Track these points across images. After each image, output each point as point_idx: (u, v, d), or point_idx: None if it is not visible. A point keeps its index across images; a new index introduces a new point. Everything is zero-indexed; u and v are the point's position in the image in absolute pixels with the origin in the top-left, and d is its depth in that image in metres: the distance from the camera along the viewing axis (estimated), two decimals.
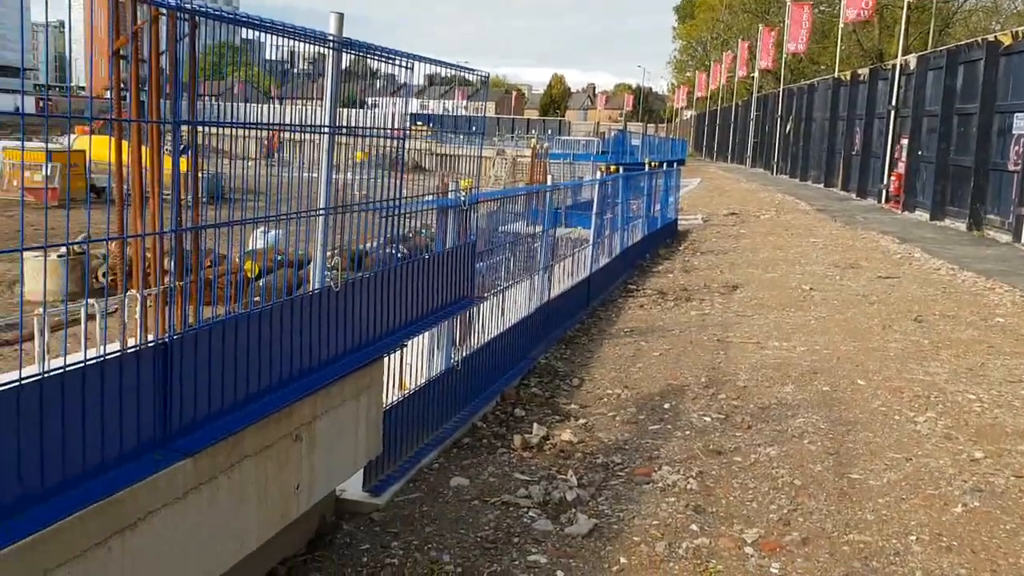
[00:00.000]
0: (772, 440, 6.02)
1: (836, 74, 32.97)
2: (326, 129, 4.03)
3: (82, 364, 2.71)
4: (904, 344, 8.88)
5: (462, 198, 5.79)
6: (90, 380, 2.75)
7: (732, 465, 5.55)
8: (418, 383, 5.54)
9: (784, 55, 45.55)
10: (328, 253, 4.17)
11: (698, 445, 5.93)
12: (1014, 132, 17.65)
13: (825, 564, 4.22)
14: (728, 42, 70.83)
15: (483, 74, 6.03)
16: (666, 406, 6.84)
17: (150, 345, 3.04)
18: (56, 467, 2.64)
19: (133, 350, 2.97)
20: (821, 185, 33.33)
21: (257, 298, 3.90)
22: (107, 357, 2.86)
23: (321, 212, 4.05)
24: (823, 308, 10.75)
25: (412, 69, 4.75)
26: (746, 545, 4.43)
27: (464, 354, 6.21)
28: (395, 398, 5.15)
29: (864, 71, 29.55)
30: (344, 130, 4.14)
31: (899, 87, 24.79)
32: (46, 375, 2.58)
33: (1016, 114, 17.57)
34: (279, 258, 12.60)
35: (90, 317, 3.27)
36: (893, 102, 24.97)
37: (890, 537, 4.50)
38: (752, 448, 5.86)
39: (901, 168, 23.89)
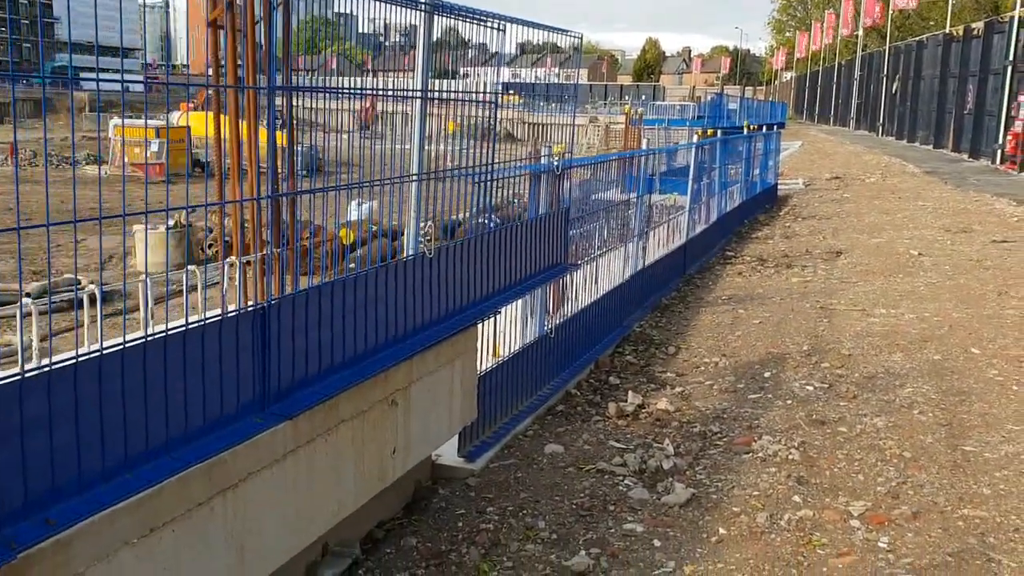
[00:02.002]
0: (879, 410, 5.77)
1: (947, 29, 31.23)
2: (418, 94, 4.00)
3: (183, 328, 2.77)
4: (1022, 311, 8.38)
5: (554, 163, 5.71)
6: (191, 343, 2.81)
7: (836, 436, 5.35)
8: (512, 350, 5.52)
9: (891, 11, 43.43)
10: (421, 224, 4.16)
11: (800, 415, 5.74)
12: None
13: (938, 539, 4.02)
14: (831, 0, 67.99)
15: (577, 35, 5.90)
16: (766, 375, 6.65)
17: (249, 310, 3.09)
18: (159, 429, 2.71)
19: (232, 314, 3.02)
20: (930, 146, 31.76)
21: (352, 265, 3.93)
22: (207, 321, 2.91)
23: (414, 178, 4.04)
24: (933, 274, 10.25)
25: (504, 31, 4.67)
26: (852, 518, 4.26)
27: (558, 321, 6.16)
28: (489, 365, 5.14)
29: (979, 25, 27.88)
30: (435, 96, 4.10)
31: (1018, 40, 23.29)
32: (149, 339, 2.64)
33: None
34: (374, 228, 12.82)
35: (194, 288, 3.34)
36: (1010, 56, 23.50)
37: (1008, 513, 4.25)
38: (858, 418, 5.63)
39: (1018, 127, 22.50)
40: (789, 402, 6.01)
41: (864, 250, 12.11)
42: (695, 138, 16.54)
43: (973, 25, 28.52)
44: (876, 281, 10.00)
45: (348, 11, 3.81)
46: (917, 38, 37.17)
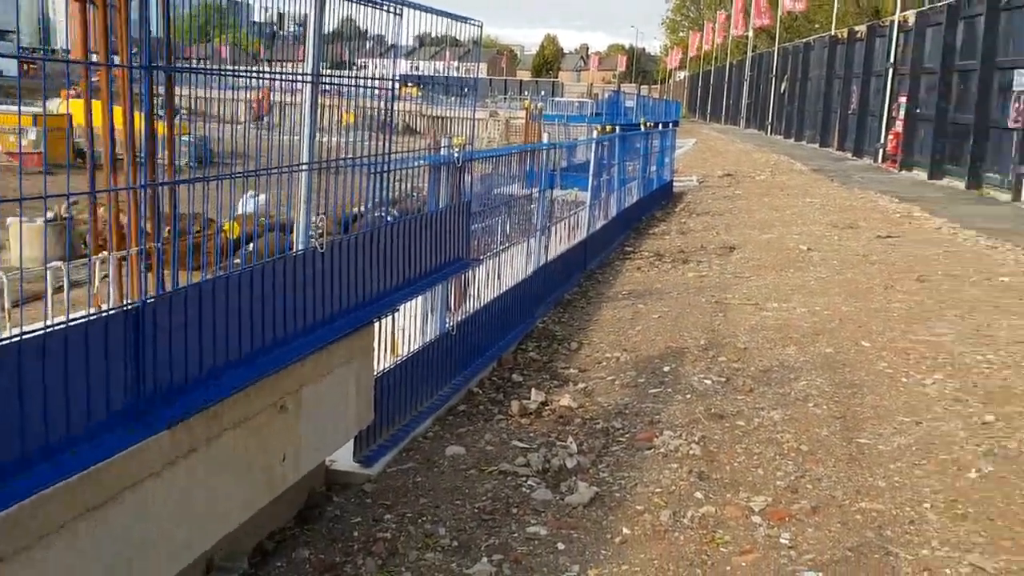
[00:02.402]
0: (776, 403, 5.84)
1: (833, 32, 32.50)
2: (308, 79, 3.77)
3: (42, 331, 2.48)
4: (908, 304, 8.70)
5: (455, 155, 5.54)
6: (52, 348, 2.52)
7: (735, 429, 5.37)
8: (412, 348, 5.33)
9: (780, 13, 44.93)
10: (314, 217, 3.93)
11: (700, 409, 5.76)
12: (1014, 89, 17.35)
13: (837, 534, 4.05)
14: (722, 1, 69.92)
15: (477, 23, 5.75)
16: (666, 369, 6.66)
17: (120, 310, 2.82)
18: (14, 446, 2.42)
19: (101, 315, 2.74)
20: (817, 145, 33.01)
21: (237, 261, 3.67)
22: (72, 323, 2.63)
23: (304, 167, 3.80)
24: (822, 268, 10.56)
25: (400, 15, 4.47)
26: (753, 514, 4.26)
27: (460, 318, 6.00)
28: (388, 364, 4.94)
29: (862, 28, 29.10)
30: (327, 81, 3.88)
31: (897, 44, 24.41)
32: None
33: (1016, 70, 17.26)
34: (265, 222, 12.36)
35: (75, 284, 3.05)
36: (891, 59, 24.60)
37: (903, 504, 4.33)
38: (755, 412, 5.68)
39: (899, 127, 23.60)
40: (689, 396, 6.02)
41: (756, 245, 12.40)
42: (595, 134, 16.65)
43: (857, 28, 29.76)
44: (768, 276, 10.23)
45: None
46: (804, 40, 38.56)
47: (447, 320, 5.81)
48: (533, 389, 6.01)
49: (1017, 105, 17.18)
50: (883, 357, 6.90)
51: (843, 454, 4.98)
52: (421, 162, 5.12)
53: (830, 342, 7.32)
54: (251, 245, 6.01)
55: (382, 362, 5.02)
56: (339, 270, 4.02)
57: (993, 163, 18.42)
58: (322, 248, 3.86)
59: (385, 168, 4.41)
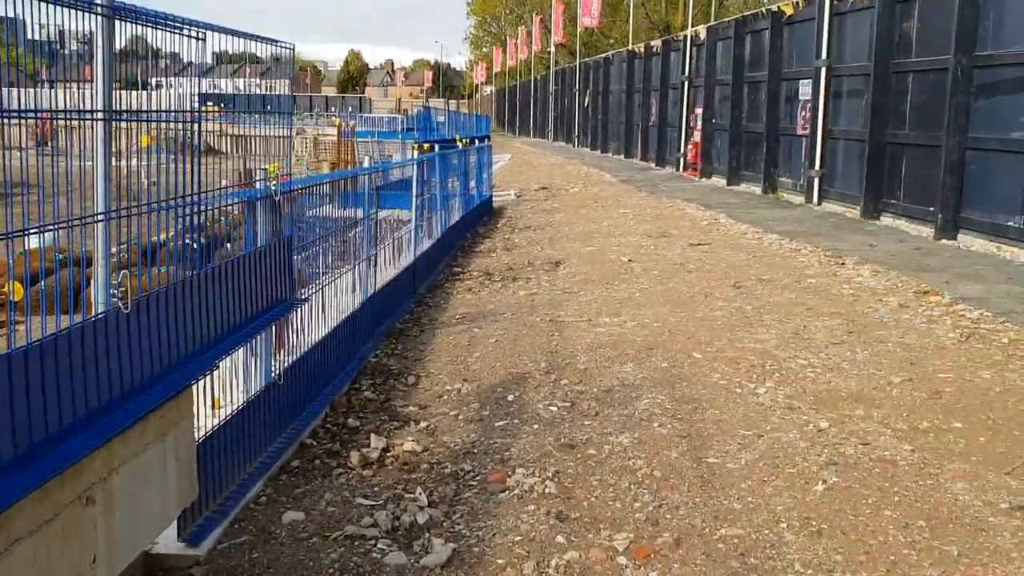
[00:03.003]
0: (622, 426, 5.76)
1: (630, 46, 33.90)
2: (100, 115, 3.24)
3: None
4: (728, 312, 8.98)
5: (272, 187, 5.07)
6: None
7: (587, 460, 5.22)
8: (234, 404, 4.80)
9: (578, 29, 46.50)
10: (113, 252, 3.38)
11: (549, 440, 5.57)
12: (800, 98, 18.65)
13: (703, 567, 3.95)
14: (522, 17, 71.67)
15: (288, 45, 5.32)
16: (510, 398, 6.45)
17: None
18: None
19: None
20: (622, 156, 34.29)
21: (21, 328, 3.08)
22: None
23: (100, 217, 3.26)
24: (645, 280, 10.77)
25: (203, 40, 3.99)
26: (618, 555, 4.09)
27: (287, 363, 5.51)
28: (208, 426, 4.41)
29: (657, 43, 30.53)
30: (125, 115, 3.36)
31: (691, 58, 25.72)
32: None
33: (801, 81, 18.56)
34: (59, 258, 11.14)
35: None
36: (686, 72, 25.89)
37: (761, 527, 4.30)
38: (604, 438, 5.57)
39: (697, 136, 24.86)
40: (536, 426, 5.83)
41: (580, 259, 12.53)
42: (413, 152, 16.33)
43: (652, 43, 31.17)
44: (596, 290, 10.30)
45: (14, 14, 2.99)
46: (604, 55, 40.04)
47: (272, 368, 5.31)
48: (372, 435, 5.61)
49: (804, 113, 18.46)
50: (716, 368, 7.02)
51: (696, 477, 4.93)
52: (235, 199, 4.62)
53: (664, 356, 7.38)
54: (41, 283, 5.23)
55: (203, 422, 4.48)
56: (148, 330, 3.49)
57: (785, 168, 19.71)
58: (126, 308, 3.33)
59: (194, 210, 3.91)
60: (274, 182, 5.07)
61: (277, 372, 5.33)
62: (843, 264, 11.27)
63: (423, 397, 6.61)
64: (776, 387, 6.56)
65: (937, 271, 10.76)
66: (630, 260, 12.11)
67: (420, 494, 4.71)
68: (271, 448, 5.19)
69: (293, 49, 5.27)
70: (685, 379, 6.76)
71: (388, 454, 5.39)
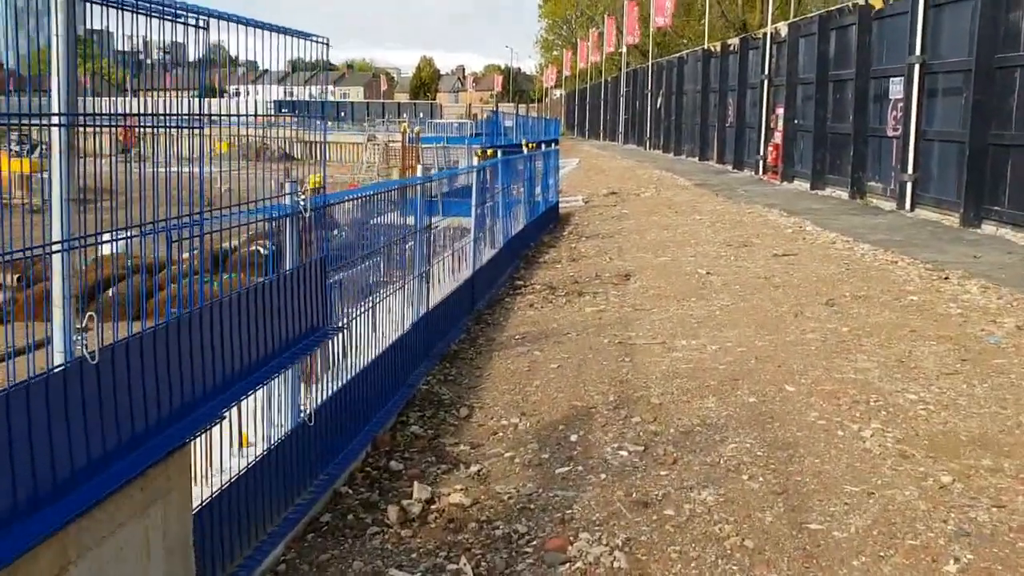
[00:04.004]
0: (705, 478, 4.94)
1: (706, 45, 32.75)
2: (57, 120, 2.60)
3: None
4: (822, 334, 8.04)
5: (301, 203, 4.42)
6: None
7: (664, 523, 4.42)
8: (253, 455, 4.16)
9: (651, 29, 45.40)
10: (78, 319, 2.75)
11: (618, 494, 4.79)
12: (891, 97, 17.42)
13: None
14: (594, 19, 70.73)
15: (322, 40, 4.68)
16: (573, 438, 5.68)
17: None
18: None
19: None
20: (696, 159, 33.15)
21: None
22: None
23: (56, 247, 2.62)
24: (725, 295, 9.87)
25: (207, 29, 3.36)
26: None
27: (319, 400, 4.85)
28: (236, 468, 3.77)
29: (734, 41, 29.35)
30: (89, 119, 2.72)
31: (771, 56, 24.55)
32: None
33: (892, 79, 17.33)
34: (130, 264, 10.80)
35: None
36: (766, 71, 24.72)
37: None
38: (683, 493, 4.76)
39: (778, 138, 23.67)
40: (603, 476, 5.05)
41: (653, 271, 11.68)
42: (475, 159, 15.71)
43: (729, 42, 29.99)
44: (671, 307, 9.46)
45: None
46: (678, 55, 38.91)
47: (301, 406, 4.66)
48: (416, 483, 4.91)
49: (895, 113, 17.23)
50: (812, 404, 6.13)
51: (796, 549, 4.09)
52: (253, 217, 3.98)
53: (751, 389, 6.52)
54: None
55: (228, 464, 3.87)
56: (123, 382, 2.85)
57: (874, 172, 18.46)
58: (93, 357, 2.69)
59: (192, 233, 3.27)
60: (303, 196, 4.41)
61: (307, 412, 4.67)
62: (947, 279, 10.17)
63: (476, 433, 5.90)
64: (884, 429, 5.65)
65: None
66: (708, 273, 11.21)
67: (465, 564, 3.99)
68: (298, 501, 4.54)
69: (327, 44, 4.62)
70: (777, 418, 5.89)
71: (432, 507, 4.69)
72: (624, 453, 5.38)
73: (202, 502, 3.54)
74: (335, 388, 5.12)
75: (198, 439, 3.48)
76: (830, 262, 11.63)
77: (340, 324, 4.99)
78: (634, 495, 4.76)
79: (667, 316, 9.03)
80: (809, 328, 8.28)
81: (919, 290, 9.70)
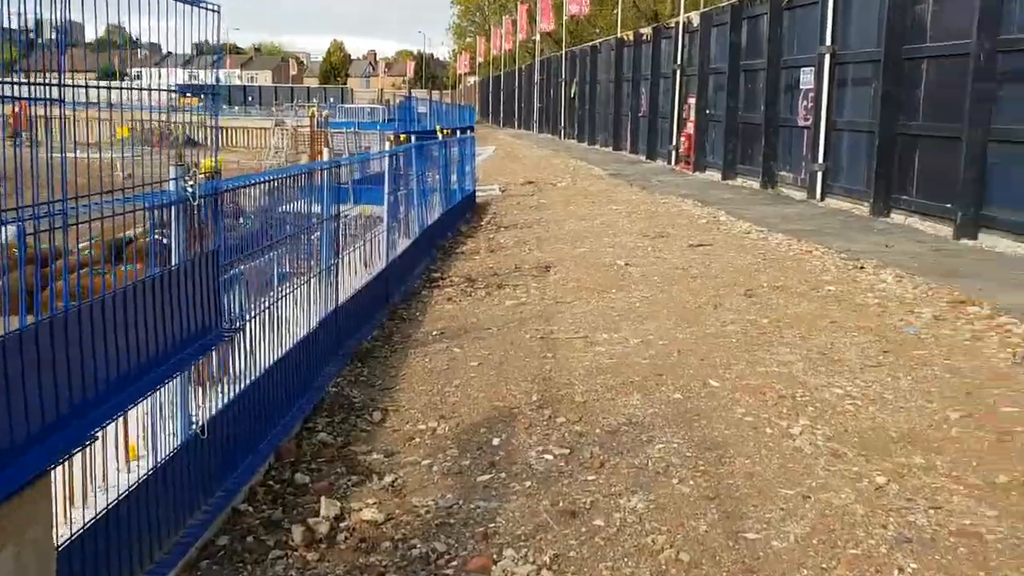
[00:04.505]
0: (634, 483, 4.67)
1: (619, 34, 32.77)
2: None
3: None
4: (743, 326, 7.90)
5: (189, 190, 3.93)
6: None
7: (594, 535, 4.12)
8: (137, 475, 3.67)
9: (564, 17, 45.29)
10: None
11: (545, 503, 4.47)
12: (802, 87, 17.60)
13: None
14: (506, 6, 70.34)
15: (214, 7, 4.18)
16: (496, 442, 5.34)
17: None
18: None
19: None
20: (610, 148, 33.19)
21: None
22: None
23: None
24: (644, 287, 9.69)
25: None
26: None
27: (213, 410, 4.37)
28: (88, 519, 3.28)
29: (647, 30, 29.41)
30: None
31: (683, 46, 24.64)
32: None
33: (803, 69, 17.51)
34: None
35: None
36: (678, 61, 24.81)
37: None
38: (613, 500, 4.47)
39: (690, 128, 23.78)
40: (528, 483, 4.72)
41: (572, 262, 11.42)
42: (387, 145, 15.20)
43: (643, 31, 30.04)
44: (591, 299, 9.21)
45: None
46: (591, 43, 38.88)
47: (193, 418, 4.17)
48: (324, 498, 4.49)
49: (805, 103, 17.42)
50: (738, 400, 5.94)
51: (735, 563, 3.84)
52: (131, 206, 3.47)
53: (676, 384, 6.29)
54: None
55: (114, 479, 3.39)
56: None
57: (785, 162, 18.67)
58: None
59: (53, 224, 2.78)
60: (191, 183, 3.92)
61: (199, 424, 4.19)
62: (862, 269, 10.21)
63: (391, 440, 5.49)
64: (813, 425, 5.49)
65: (967, 276, 9.72)
66: (627, 264, 11.02)
67: None
68: (190, 523, 4.06)
69: (219, 11, 4.13)
70: (703, 415, 5.67)
71: (342, 525, 4.28)
72: (549, 457, 5.06)
73: (71, 535, 3.05)
74: (232, 394, 4.64)
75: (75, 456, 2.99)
76: (746, 252, 11.60)
77: (237, 324, 4.51)
78: (561, 504, 4.44)
79: (588, 309, 8.77)
80: (729, 320, 8.14)
81: (836, 280, 9.70)
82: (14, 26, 3.23)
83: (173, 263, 3.91)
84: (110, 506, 3.34)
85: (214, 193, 4.24)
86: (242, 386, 4.76)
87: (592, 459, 5.01)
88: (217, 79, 4.37)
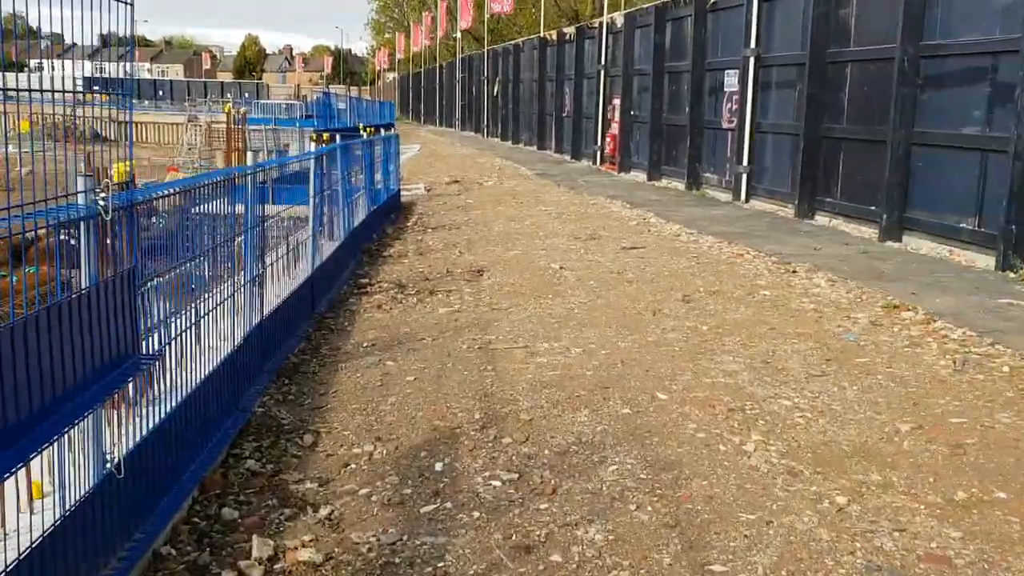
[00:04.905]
0: (590, 511, 4.41)
1: (542, 33, 32.64)
2: None
3: None
4: (683, 333, 7.76)
5: (100, 202, 3.49)
6: None
7: (552, 572, 3.84)
8: (43, 526, 3.23)
9: (486, 15, 45.00)
10: None
11: (496, 536, 4.17)
12: (726, 89, 17.72)
13: None
14: (425, 2, 69.68)
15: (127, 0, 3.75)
16: (438, 467, 5.01)
17: None
18: None
19: None
20: (535, 148, 33.07)
21: None
22: None
23: None
24: (581, 292, 9.48)
25: None
26: None
27: (130, 444, 3.93)
28: (24, 526, 2.84)
29: (571, 30, 29.34)
30: None
31: (607, 46, 24.62)
32: None
33: (727, 71, 17.62)
34: None
35: None
36: (602, 61, 24.79)
37: None
38: (568, 531, 4.20)
39: (615, 129, 23.79)
40: (477, 514, 4.41)
41: (505, 265, 11.15)
42: (310, 144, 14.64)
43: (566, 30, 29.96)
44: (528, 305, 8.94)
45: None
46: (514, 42, 38.68)
47: (107, 453, 3.73)
48: (255, 536, 4.09)
49: (730, 105, 17.53)
50: (688, 415, 5.75)
51: None
52: (30, 222, 3.03)
53: (624, 397, 6.08)
54: None
55: (14, 523, 2.95)
56: None
57: (710, 163, 18.77)
58: None
59: None
60: (103, 194, 3.49)
61: (114, 459, 3.75)
62: (795, 272, 10.22)
63: (325, 466, 5.11)
64: (766, 441, 5.33)
65: (897, 280, 9.81)
66: (561, 267, 10.80)
67: None
68: (106, 573, 3.62)
69: (132, 4, 3.69)
70: (655, 432, 5.46)
71: (276, 567, 3.90)
72: (497, 483, 4.76)
73: None
74: (152, 423, 4.20)
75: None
76: (679, 255, 11.52)
77: (153, 354, 4.08)
78: (514, 537, 4.15)
79: (526, 316, 8.51)
80: (669, 327, 7.99)
81: (770, 284, 9.67)
82: None
83: (83, 285, 3.47)
84: (10, 567, 2.90)
85: (129, 205, 3.80)
86: (163, 414, 4.32)
87: (543, 484, 4.73)
88: (127, 73, 3.94)
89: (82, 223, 3.43)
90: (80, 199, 3.44)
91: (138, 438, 4.03)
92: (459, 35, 52.43)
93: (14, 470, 2.80)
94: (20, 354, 2.90)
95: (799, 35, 15.00)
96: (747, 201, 16.72)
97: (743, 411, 5.82)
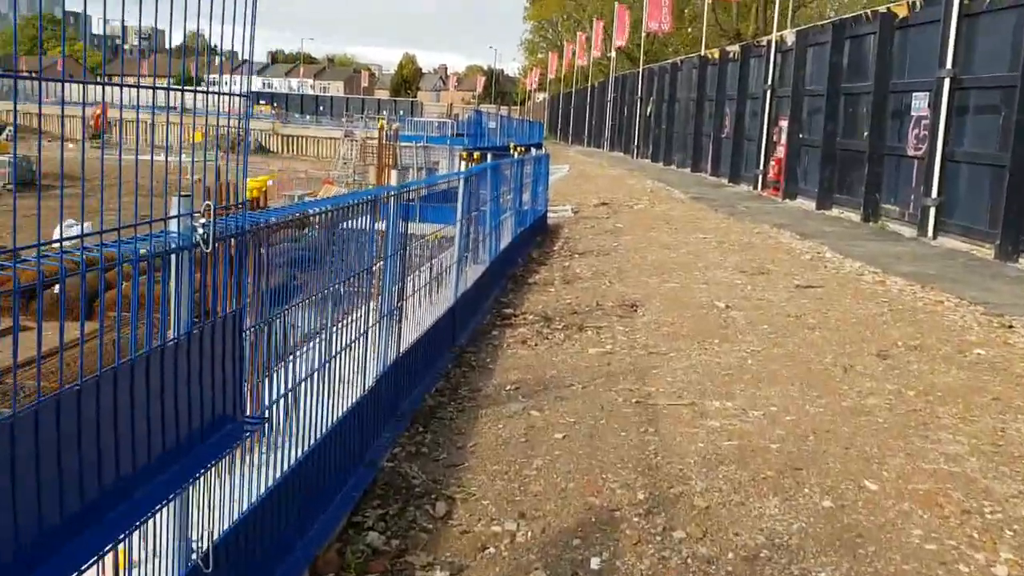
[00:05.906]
0: None
1: (703, 52, 31.30)
2: None
3: None
4: (885, 398, 6.50)
5: (199, 231, 2.76)
6: None
7: None
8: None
9: (643, 34, 43.94)
10: None
11: None
12: (913, 114, 15.99)
13: None
14: (580, 22, 69.26)
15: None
16: (595, 564, 4.06)
17: None
18: None
19: None
20: (688, 170, 31.68)
21: None
22: None
23: None
24: (753, 337, 8.31)
25: None
26: None
27: (223, 528, 3.19)
28: None
29: (734, 48, 27.90)
30: None
31: (775, 65, 23.11)
32: None
33: (915, 93, 15.91)
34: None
35: None
36: (769, 81, 23.28)
37: None
38: None
39: (780, 152, 22.22)
40: None
41: (661, 300, 10.09)
42: (457, 160, 14.07)
43: (729, 49, 28.54)
44: (691, 351, 7.87)
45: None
46: (670, 61, 37.45)
47: (193, 545, 3.00)
48: None
49: (917, 131, 15.80)
50: (909, 515, 4.56)
51: None
52: (106, 251, 2.32)
53: (821, 484, 4.94)
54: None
55: None
56: None
57: (891, 194, 17.02)
58: None
59: None
60: (202, 220, 2.75)
61: (202, 550, 3.00)
62: (1011, 328, 8.67)
63: (459, 547, 4.25)
64: (1018, 560, 4.09)
65: None
66: (727, 306, 9.65)
67: None
68: None
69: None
70: (868, 537, 4.31)
71: None
72: None
73: None
74: (255, 497, 3.46)
75: None
76: (865, 298, 10.12)
77: (261, 416, 3.32)
78: None
79: (689, 364, 7.44)
80: (866, 389, 6.73)
81: (983, 341, 8.18)
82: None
83: (172, 334, 2.74)
84: None
85: (239, 234, 3.07)
86: (269, 483, 3.58)
87: None
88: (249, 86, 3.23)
89: (173, 256, 2.71)
90: (173, 225, 2.71)
91: (236, 517, 3.29)
92: (613, 54, 51.56)
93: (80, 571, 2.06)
94: (89, 419, 2.17)
95: (1007, 54, 13.23)
96: (935, 237, 14.95)
97: (981, 515, 4.58)
